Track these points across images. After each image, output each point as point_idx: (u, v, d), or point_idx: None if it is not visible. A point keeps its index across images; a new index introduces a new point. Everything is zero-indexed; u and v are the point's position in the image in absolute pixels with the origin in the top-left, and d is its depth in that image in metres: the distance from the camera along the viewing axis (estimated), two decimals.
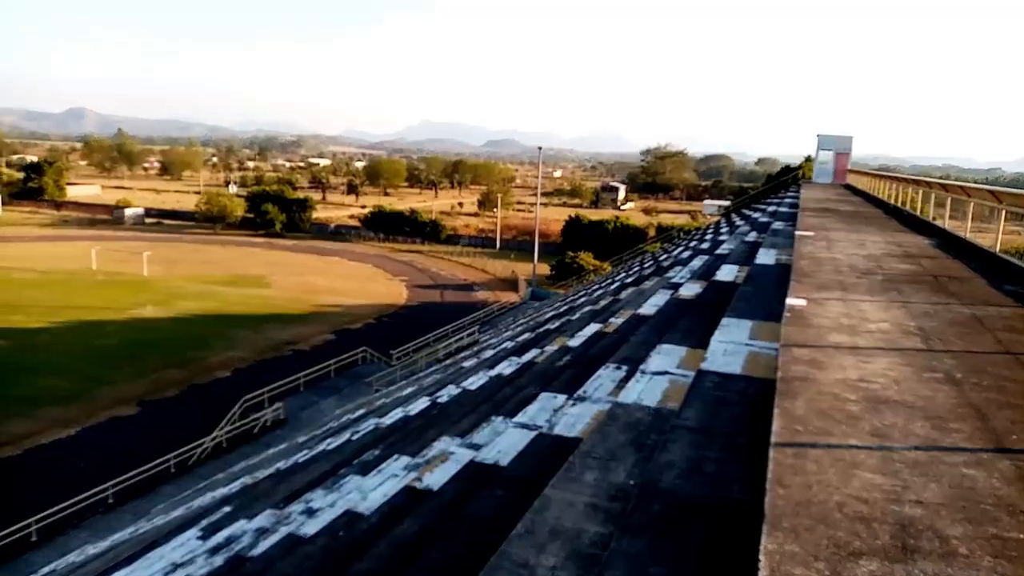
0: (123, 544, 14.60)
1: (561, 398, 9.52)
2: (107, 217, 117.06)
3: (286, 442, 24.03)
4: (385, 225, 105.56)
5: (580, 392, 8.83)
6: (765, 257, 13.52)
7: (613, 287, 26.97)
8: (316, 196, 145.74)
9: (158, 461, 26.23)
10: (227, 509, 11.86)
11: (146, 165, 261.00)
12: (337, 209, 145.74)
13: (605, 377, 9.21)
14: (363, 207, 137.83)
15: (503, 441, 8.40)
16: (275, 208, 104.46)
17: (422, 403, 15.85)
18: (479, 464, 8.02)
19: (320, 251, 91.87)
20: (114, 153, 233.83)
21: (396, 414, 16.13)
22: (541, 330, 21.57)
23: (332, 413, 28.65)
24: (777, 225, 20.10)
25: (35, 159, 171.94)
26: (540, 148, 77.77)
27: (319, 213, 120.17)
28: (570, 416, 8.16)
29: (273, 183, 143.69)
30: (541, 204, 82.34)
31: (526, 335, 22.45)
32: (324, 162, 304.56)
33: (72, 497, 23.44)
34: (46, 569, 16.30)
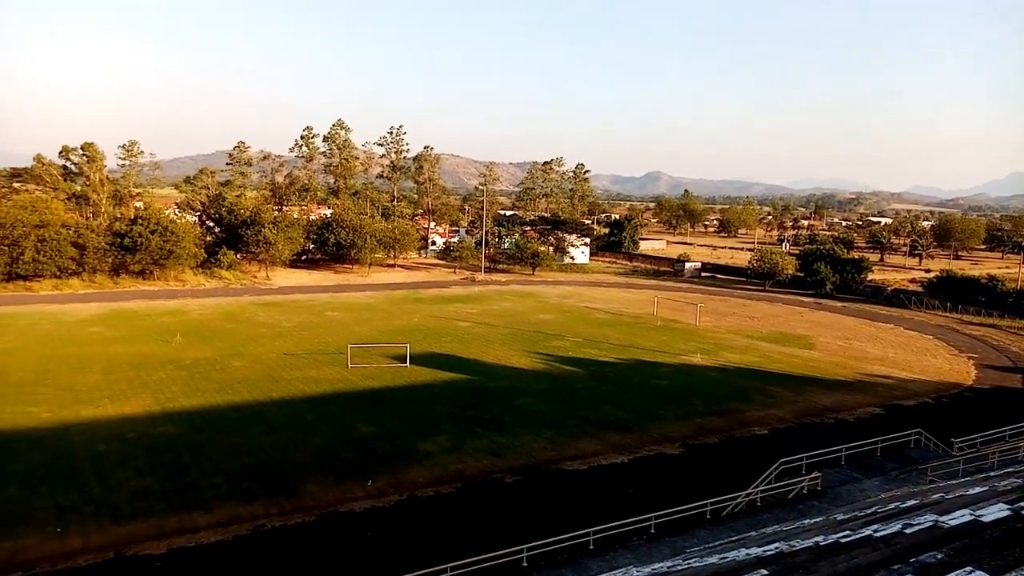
0: None
1: None
2: (669, 269, 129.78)
3: (823, 515, 22.77)
4: (953, 292, 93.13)
5: None
6: None
7: None
8: (873, 257, 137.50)
9: (695, 504, 27.55)
10: (763, 572, 11.73)
11: (706, 223, 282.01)
12: (896, 272, 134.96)
13: None
14: (927, 271, 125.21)
15: None
16: (827, 268, 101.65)
17: (998, 510, 13.29)
18: None
19: (872, 316, 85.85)
20: (680, 212, 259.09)
21: (962, 515, 13.85)
22: None
23: (877, 495, 26.17)
24: None
25: (617, 217, 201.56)
26: None
27: (875, 275, 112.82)
28: None
29: (827, 242, 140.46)
30: None
31: None
32: (885, 220, 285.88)
33: (620, 518, 26.20)
34: None
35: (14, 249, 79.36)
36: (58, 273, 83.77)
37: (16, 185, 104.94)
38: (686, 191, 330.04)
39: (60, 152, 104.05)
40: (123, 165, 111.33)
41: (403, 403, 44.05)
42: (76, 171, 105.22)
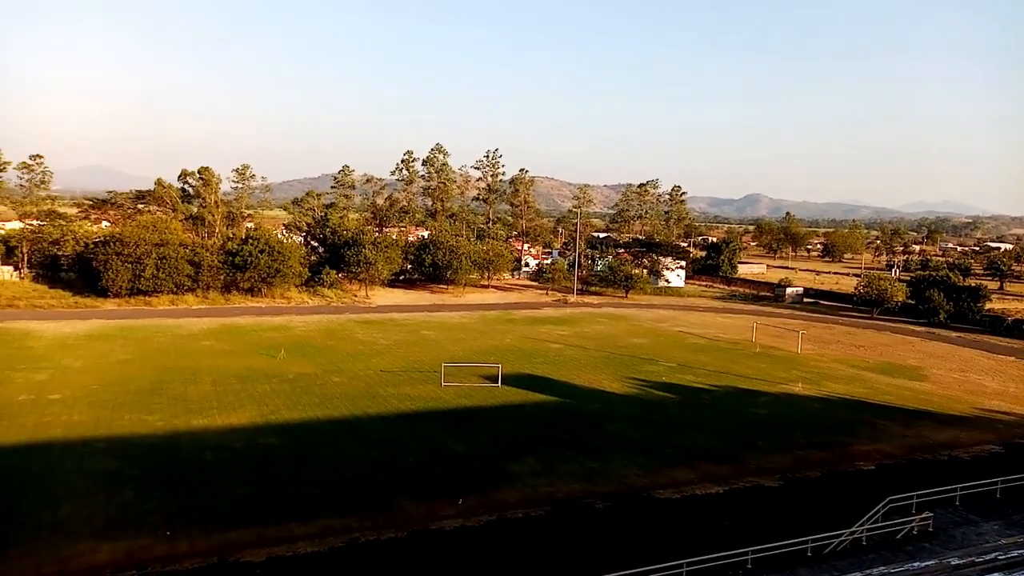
0: None
1: None
2: (768, 294, 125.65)
3: (935, 559, 21.41)
4: None
5: None
6: None
7: None
8: (991, 285, 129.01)
9: (795, 540, 26.36)
10: None
11: (808, 247, 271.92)
12: (1017, 301, 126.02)
13: None
14: None
15: None
16: (940, 295, 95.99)
17: None
18: None
19: (990, 347, 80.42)
20: (781, 235, 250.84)
21: None
22: None
23: (996, 541, 24.37)
24: None
25: (714, 240, 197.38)
26: None
27: (993, 304, 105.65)
28: None
29: (940, 268, 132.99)
30: None
31: None
32: (1005, 246, 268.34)
33: (714, 551, 25.36)
34: None
35: (137, 266, 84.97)
36: (175, 289, 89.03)
37: (140, 207, 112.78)
38: (788, 214, 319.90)
39: (179, 176, 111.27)
40: (236, 188, 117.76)
41: (494, 423, 44.32)
42: (193, 193, 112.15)
